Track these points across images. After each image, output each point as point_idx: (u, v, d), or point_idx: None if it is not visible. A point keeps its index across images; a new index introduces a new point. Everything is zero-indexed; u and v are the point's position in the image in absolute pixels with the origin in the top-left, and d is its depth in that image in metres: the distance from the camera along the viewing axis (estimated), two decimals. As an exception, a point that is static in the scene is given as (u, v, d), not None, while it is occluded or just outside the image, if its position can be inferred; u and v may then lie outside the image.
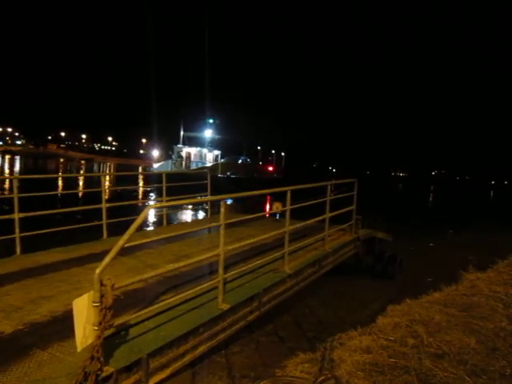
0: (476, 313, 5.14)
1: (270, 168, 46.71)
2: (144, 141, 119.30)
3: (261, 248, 6.16)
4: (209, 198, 7.53)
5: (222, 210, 4.01)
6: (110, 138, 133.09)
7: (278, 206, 9.70)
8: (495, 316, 5.06)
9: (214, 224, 4.32)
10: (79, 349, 2.72)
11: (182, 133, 39.42)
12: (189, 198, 7.67)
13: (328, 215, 6.50)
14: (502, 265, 7.98)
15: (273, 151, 51.68)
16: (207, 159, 39.57)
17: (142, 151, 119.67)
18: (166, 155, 42.52)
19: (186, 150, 38.32)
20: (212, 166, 36.27)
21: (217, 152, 40.87)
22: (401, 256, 8.91)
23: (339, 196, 7.48)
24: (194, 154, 38.72)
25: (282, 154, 54.13)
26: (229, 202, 20.97)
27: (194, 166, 36.46)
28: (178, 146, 38.81)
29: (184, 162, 36.89)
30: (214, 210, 9.80)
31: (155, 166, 38.31)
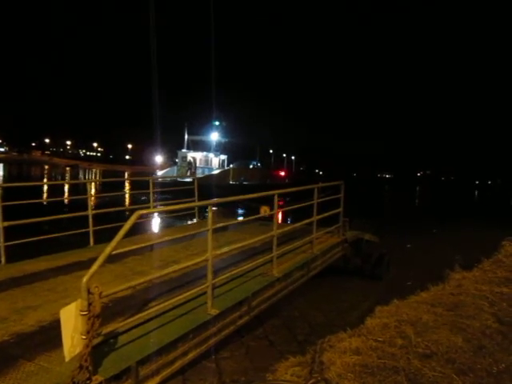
0: (463, 312, 5.21)
1: (282, 173, 44.75)
2: (130, 146, 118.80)
3: (249, 252, 6.17)
4: (197, 203, 7.51)
5: (210, 215, 4.02)
6: (95, 144, 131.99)
7: (265, 210, 9.72)
8: (481, 314, 5.13)
9: (202, 229, 4.31)
10: (67, 358, 2.70)
11: (186, 136, 36.50)
12: (178, 203, 7.66)
13: (316, 218, 6.54)
14: (487, 263, 8.10)
15: (284, 155, 49.97)
16: (213, 164, 36.65)
17: (127, 157, 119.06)
18: (169, 160, 40.02)
19: (190, 155, 35.08)
20: (222, 172, 33.91)
21: (223, 157, 38.07)
22: (388, 257, 8.99)
23: (326, 199, 7.53)
24: (200, 159, 35.65)
25: (293, 157, 52.66)
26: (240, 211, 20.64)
27: (199, 172, 33.00)
28: (183, 150, 35.74)
29: (189, 168, 33.42)
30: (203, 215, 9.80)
31: (159, 173, 35.03)
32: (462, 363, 3.83)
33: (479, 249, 9.89)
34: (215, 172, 33.82)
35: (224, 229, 7.82)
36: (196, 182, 9.23)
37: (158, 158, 43.53)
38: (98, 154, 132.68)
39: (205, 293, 4.10)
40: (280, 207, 5.62)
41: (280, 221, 16.72)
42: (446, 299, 5.78)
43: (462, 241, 13.58)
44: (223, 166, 37.19)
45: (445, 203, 45.25)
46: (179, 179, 27.24)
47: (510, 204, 50.51)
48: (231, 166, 37.13)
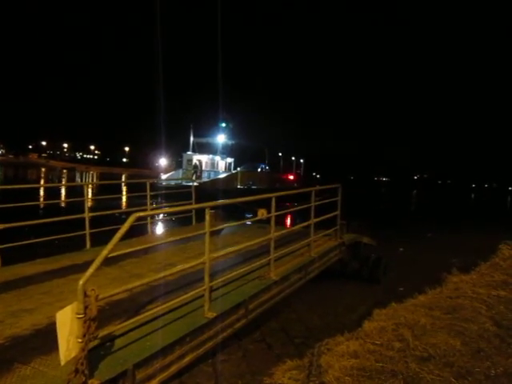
0: (460, 315, 5.20)
1: (291, 177, 43.29)
2: (127, 149, 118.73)
3: (247, 255, 6.15)
4: (194, 205, 7.49)
5: (207, 217, 4.00)
6: (92, 147, 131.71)
7: (263, 213, 9.71)
8: (479, 318, 5.13)
9: (199, 232, 4.30)
10: (63, 362, 2.67)
11: (191, 138, 34.69)
12: (174, 206, 7.64)
13: (313, 221, 6.53)
14: (485, 267, 8.11)
15: (293, 158, 48.59)
16: (219, 168, 34.94)
17: (124, 159, 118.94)
18: (174, 164, 38.57)
19: (196, 158, 33.44)
20: (229, 175, 32.32)
21: (230, 160, 36.30)
22: (386, 260, 8.99)
23: (324, 201, 7.53)
24: (206, 163, 33.93)
25: (301, 160, 51.46)
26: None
27: (205, 176, 32.05)
28: (188, 153, 33.98)
29: (195, 172, 31.84)
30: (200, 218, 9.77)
31: (164, 176, 32.86)
32: (460, 366, 3.82)
33: (476, 252, 9.91)
34: (222, 176, 32.31)
35: (221, 231, 7.80)
36: (194, 187, 9.22)
37: (162, 161, 41.89)
38: (95, 157, 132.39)
39: (202, 296, 4.08)
40: (279, 210, 5.60)
41: (289, 224, 16.66)
42: (444, 302, 5.78)
43: (458, 244, 13.61)
44: (230, 170, 35.73)
45: (441, 206, 45.32)
46: (184, 183, 26.35)
47: (506, 207, 50.70)
48: (238, 169, 35.64)
